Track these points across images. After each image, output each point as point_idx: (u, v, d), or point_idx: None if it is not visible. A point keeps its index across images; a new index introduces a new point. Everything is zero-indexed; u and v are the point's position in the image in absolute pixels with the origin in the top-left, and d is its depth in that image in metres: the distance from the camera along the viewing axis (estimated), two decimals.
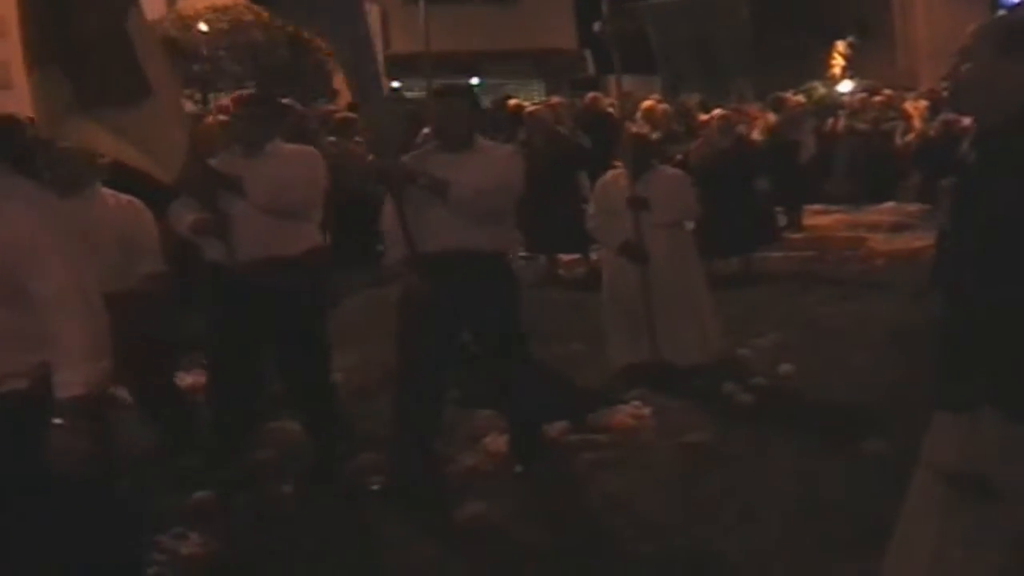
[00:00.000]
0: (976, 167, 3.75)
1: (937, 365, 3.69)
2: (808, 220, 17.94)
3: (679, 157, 13.94)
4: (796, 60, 32.78)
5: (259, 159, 7.05)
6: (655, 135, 16.12)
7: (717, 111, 14.78)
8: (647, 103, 18.54)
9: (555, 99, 20.93)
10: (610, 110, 18.63)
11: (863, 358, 9.37)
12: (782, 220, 16.93)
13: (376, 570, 5.95)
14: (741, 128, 15.94)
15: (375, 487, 6.92)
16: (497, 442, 7.52)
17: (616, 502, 6.57)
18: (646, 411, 8.08)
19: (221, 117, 9.90)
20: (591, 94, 20.83)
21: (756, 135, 17.24)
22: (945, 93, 18.62)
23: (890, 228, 17.38)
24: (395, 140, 7.52)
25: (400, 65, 27.74)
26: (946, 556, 3.54)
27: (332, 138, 13.99)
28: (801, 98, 22.33)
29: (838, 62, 33.74)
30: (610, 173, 9.74)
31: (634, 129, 16.47)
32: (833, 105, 23.06)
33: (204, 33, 21.69)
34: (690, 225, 9.96)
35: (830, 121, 21.37)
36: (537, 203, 13.28)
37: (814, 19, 34.75)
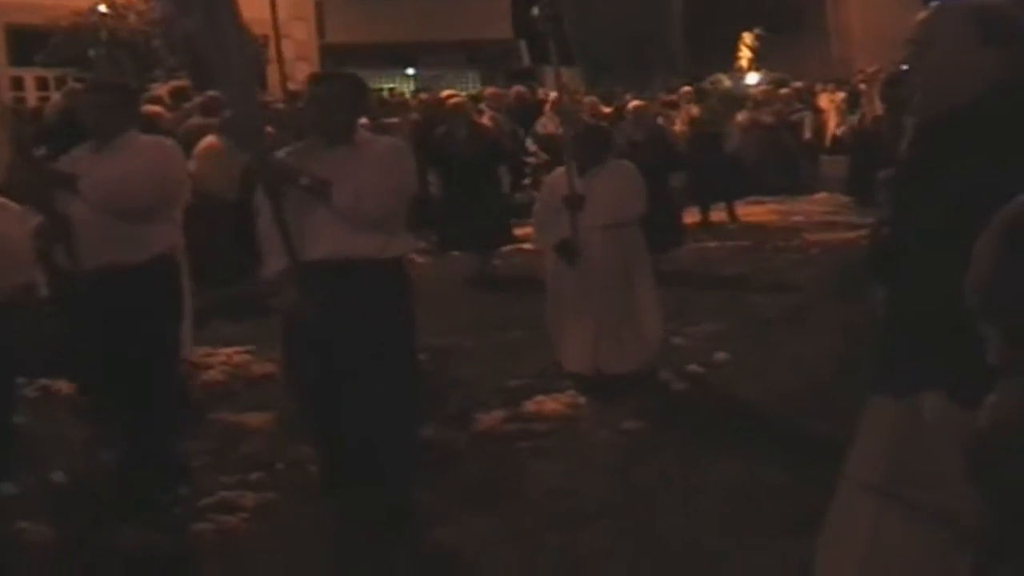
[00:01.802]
0: (923, 158, 3.77)
1: (877, 351, 3.73)
2: (739, 211, 18.04)
3: None
4: (726, 52, 33.00)
5: (105, 154, 6.34)
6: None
7: (633, 102, 14.66)
8: (553, 94, 18.52)
9: (490, 90, 20.98)
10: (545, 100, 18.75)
11: (798, 346, 9.45)
12: (695, 216, 16.93)
13: (314, 557, 5.92)
14: (661, 120, 15.96)
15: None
16: (434, 432, 7.52)
17: (554, 489, 6.59)
18: (582, 399, 8.11)
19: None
20: (515, 88, 20.90)
21: (679, 126, 17.25)
22: (862, 86, 18.73)
23: (822, 218, 17.57)
24: (264, 134, 6.59)
25: (335, 56, 27.66)
26: (879, 540, 3.58)
27: (269, 129, 13.91)
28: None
29: (745, 54, 33.86)
30: (558, 169, 9.11)
31: (539, 123, 16.64)
32: (739, 98, 22.78)
33: (138, 23, 21.54)
34: None
35: (739, 115, 20.89)
36: (461, 197, 13.38)
37: (748, 10, 34.86)
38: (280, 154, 6.23)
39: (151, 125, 9.34)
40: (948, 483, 3.45)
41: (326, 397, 6.05)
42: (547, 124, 17.07)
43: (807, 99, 23.67)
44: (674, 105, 19.64)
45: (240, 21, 6.09)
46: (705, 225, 16.98)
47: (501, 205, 13.97)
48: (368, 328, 5.90)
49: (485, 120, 15.56)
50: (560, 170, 8.95)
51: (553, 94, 18.37)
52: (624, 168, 9.18)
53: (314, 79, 6.70)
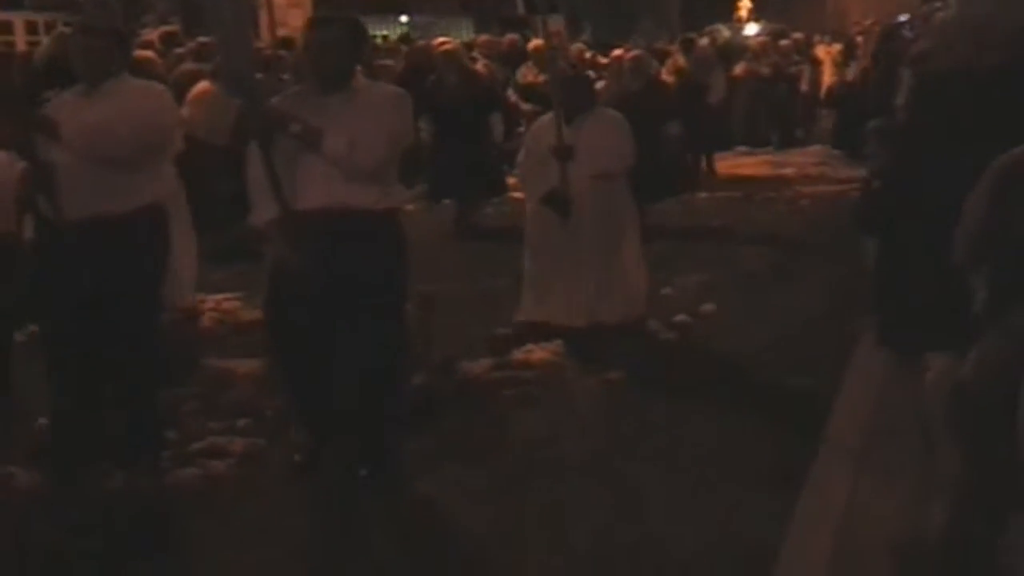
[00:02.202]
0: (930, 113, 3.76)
1: (880, 310, 3.76)
2: (730, 163, 18.02)
3: None
4: (725, 2, 32.84)
5: (92, 99, 6.04)
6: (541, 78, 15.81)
7: (631, 51, 14.45)
8: (536, 41, 18.34)
9: (483, 37, 20.85)
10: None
11: (785, 298, 9.49)
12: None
13: (300, 505, 5.95)
14: (652, 70, 15.85)
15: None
16: (419, 379, 7.54)
17: (538, 438, 6.62)
18: (569, 349, 8.13)
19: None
20: (508, 35, 20.73)
21: (666, 76, 17.14)
22: (859, 38, 18.67)
23: (813, 171, 17.56)
24: (255, 80, 6.29)
25: (329, 2, 27.49)
26: (855, 499, 3.62)
27: (259, 75, 13.81)
28: (705, 41, 22.21)
29: (744, 4, 33.65)
30: (545, 116, 8.90)
31: (520, 73, 16.45)
32: (737, 49, 22.59)
33: None
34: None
35: (736, 67, 20.85)
36: (452, 146, 13.18)
37: None
38: (275, 100, 6.09)
39: (143, 70, 9.22)
40: (929, 434, 3.50)
41: (311, 349, 5.93)
42: (526, 73, 16.82)
43: (805, 51, 23.57)
44: (665, 55, 19.54)
45: None
46: (699, 173, 16.92)
47: (494, 154, 13.88)
48: (360, 281, 5.77)
49: (479, 67, 15.40)
50: (545, 119, 8.79)
51: (536, 42, 18.21)
52: (612, 117, 8.95)
53: (312, 23, 6.42)
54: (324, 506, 5.90)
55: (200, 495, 5.99)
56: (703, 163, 17.54)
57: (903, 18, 16.96)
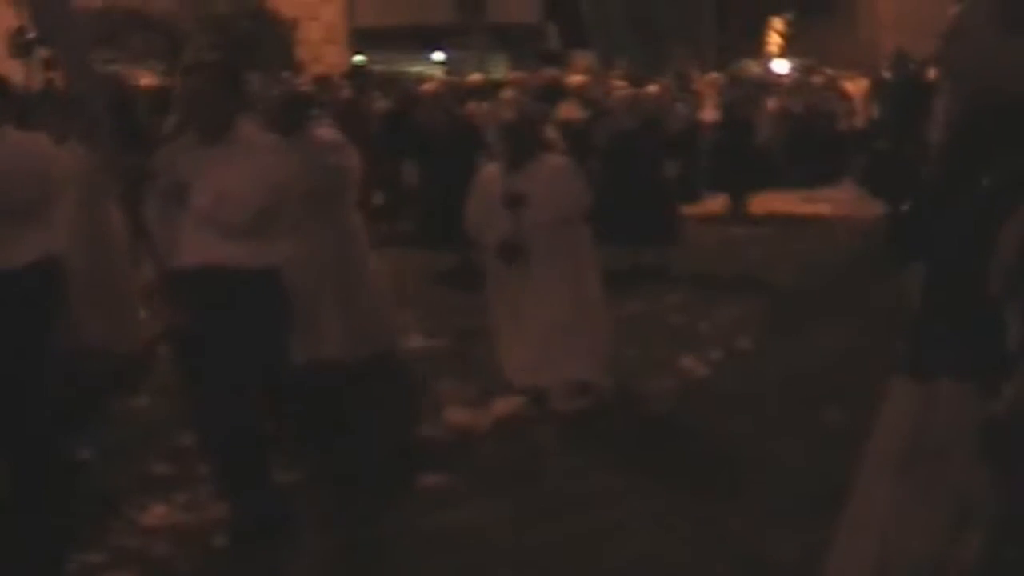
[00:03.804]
0: (962, 149, 3.77)
1: (907, 334, 3.75)
2: (764, 199, 17.90)
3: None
4: (754, 37, 32.66)
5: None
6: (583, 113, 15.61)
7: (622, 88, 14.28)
8: (576, 77, 18.18)
9: (515, 74, 20.86)
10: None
11: (823, 331, 9.46)
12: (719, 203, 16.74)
13: (335, 541, 5.96)
14: (681, 106, 15.64)
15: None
16: (458, 414, 7.58)
17: (575, 471, 6.62)
18: (605, 383, 8.13)
19: None
20: (543, 71, 20.60)
21: (708, 113, 16.87)
22: (887, 75, 18.53)
23: (847, 207, 17.47)
24: (110, 128, 5.65)
25: (365, 38, 27.70)
26: (895, 521, 3.61)
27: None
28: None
29: (775, 40, 33.28)
30: (491, 165, 8.44)
31: (562, 109, 16.25)
32: (761, 85, 22.09)
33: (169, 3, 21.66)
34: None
35: (768, 102, 20.31)
36: (439, 187, 12.25)
37: None
38: (164, 149, 5.78)
39: None
40: (962, 464, 3.48)
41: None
42: (567, 109, 16.70)
43: (836, 87, 23.45)
44: (699, 91, 19.41)
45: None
46: (733, 213, 16.91)
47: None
48: (229, 341, 5.38)
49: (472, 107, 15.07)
50: (487, 169, 8.35)
51: (576, 77, 18.10)
52: (559, 163, 8.19)
53: (184, 69, 5.86)
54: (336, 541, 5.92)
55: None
56: (738, 201, 17.28)
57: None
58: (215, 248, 5.36)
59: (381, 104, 17.15)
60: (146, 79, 17.77)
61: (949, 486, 3.50)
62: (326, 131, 8.63)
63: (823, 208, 17.63)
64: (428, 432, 7.39)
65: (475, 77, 18.50)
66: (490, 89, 16.85)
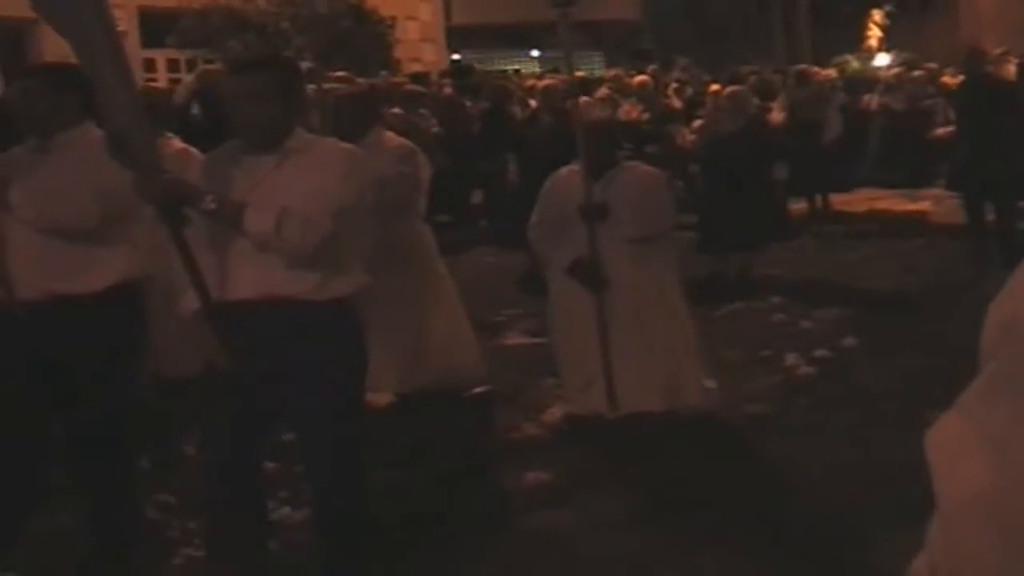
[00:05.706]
0: None
1: None
2: (861, 199, 17.58)
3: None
4: (833, 28, 32.04)
5: (45, 154, 5.22)
6: (645, 115, 15.36)
7: (728, 87, 13.50)
8: (640, 77, 17.86)
9: (612, 72, 20.75)
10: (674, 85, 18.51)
11: (926, 330, 9.36)
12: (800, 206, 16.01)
13: (424, 540, 6.01)
14: (753, 107, 14.23)
15: None
16: (558, 413, 7.60)
17: (676, 472, 6.60)
18: (709, 383, 8.10)
19: None
20: (639, 70, 20.19)
21: (776, 113, 16.16)
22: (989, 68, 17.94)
23: (946, 207, 17.15)
24: (148, 141, 4.75)
25: (461, 37, 27.79)
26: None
27: (397, 110, 13.90)
28: (832, 72, 21.32)
29: (874, 32, 32.53)
30: (564, 170, 7.49)
31: (622, 110, 15.34)
32: (867, 81, 21.30)
33: (266, 4, 21.84)
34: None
35: (864, 99, 19.56)
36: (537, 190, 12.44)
37: None
38: (205, 158, 5.17)
39: None
40: None
41: (239, 450, 4.91)
42: (629, 110, 15.97)
43: (937, 82, 22.88)
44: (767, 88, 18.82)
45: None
46: (812, 214, 16.30)
47: None
48: (300, 386, 4.67)
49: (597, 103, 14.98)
50: (560, 174, 7.52)
51: (640, 77, 17.62)
52: (647, 172, 7.62)
53: (234, 68, 5.29)
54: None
55: None
56: (818, 204, 16.57)
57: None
58: (279, 276, 4.59)
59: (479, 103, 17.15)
60: None
61: None
62: (392, 136, 8.08)
63: (923, 206, 17.37)
64: (529, 430, 7.41)
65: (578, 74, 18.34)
66: (585, 87, 16.76)
